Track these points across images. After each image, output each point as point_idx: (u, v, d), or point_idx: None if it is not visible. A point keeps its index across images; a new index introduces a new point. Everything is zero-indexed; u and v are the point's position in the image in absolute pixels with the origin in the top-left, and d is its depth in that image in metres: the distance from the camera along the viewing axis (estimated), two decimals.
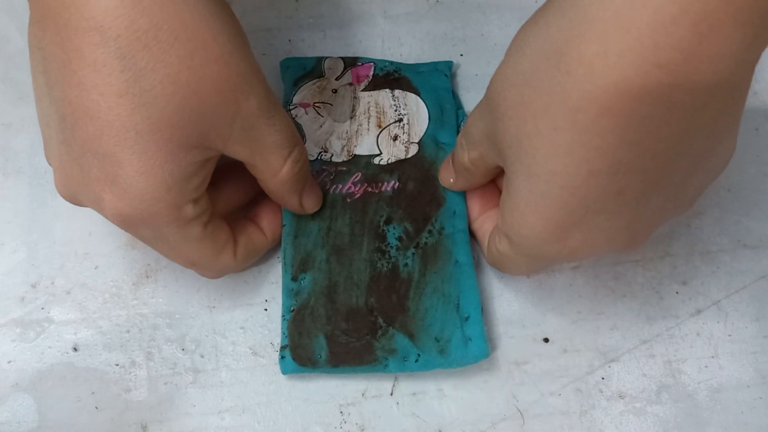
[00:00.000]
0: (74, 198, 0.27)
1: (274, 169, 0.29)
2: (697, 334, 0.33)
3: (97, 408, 0.32)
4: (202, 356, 0.33)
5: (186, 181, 0.26)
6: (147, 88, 0.24)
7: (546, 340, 0.33)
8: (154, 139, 0.24)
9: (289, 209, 0.33)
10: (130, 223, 0.26)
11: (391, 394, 0.32)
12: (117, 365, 0.33)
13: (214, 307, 0.34)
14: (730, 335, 0.33)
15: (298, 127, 0.36)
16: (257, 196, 0.33)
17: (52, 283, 0.34)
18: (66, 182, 0.27)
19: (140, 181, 0.25)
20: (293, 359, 0.31)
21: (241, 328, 0.33)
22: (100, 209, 0.27)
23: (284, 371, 0.31)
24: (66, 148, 0.26)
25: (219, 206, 0.31)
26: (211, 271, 0.31)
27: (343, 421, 0.32)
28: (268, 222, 0.33)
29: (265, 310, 0.34)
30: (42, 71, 0.25)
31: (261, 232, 0.33)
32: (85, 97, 0.24)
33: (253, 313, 0.34)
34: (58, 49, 0.24)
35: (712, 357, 0.33)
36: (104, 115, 0.24)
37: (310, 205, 0.32)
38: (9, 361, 0.33)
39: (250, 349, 0.33)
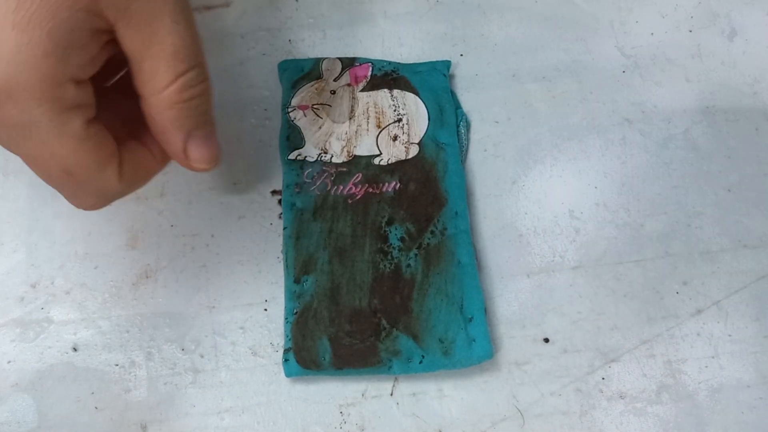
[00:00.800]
0: None
1: (160, 83, 0.24)
2: (698, 334, 0.33)
3: (96, 408, 0.32)
4: (202, 356, 0.33)
5: (69, 50, 0.22)
6: None
7: (546, 340, 0.33)
8: None
9: (170, 153, 0.27)
10: None
11: (391, 395, 0.32)
12: (117, 365, 0.33)
13: (214, 307, 0.34)
14: (730, 335, 0.33)
15: (297, 130, 0.36)
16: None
17: (52, 283, 0.34)
18: None
19: (13, 38, 0.21)
20: (297, 362, 0.31)
21: (241, 328, 0.33)
22: None
23: (288, 374, 0.31)
24: None
25: (104, 117, 0.25)
26: (89, 190, 0.25)
27: (343, 422, 0.32)
28: (157, 144, 0.27)
29: (265, 310, 0.34)
30: None
31: (149, 154, 0.27)
32: None
33: (253, 313, 0.34)
34: None
35: (713, 357, 0.33)
36: None
37: (198, 156, 0.26)
38: (9, 361, 0.33)
39: (250, 349, 0.33)
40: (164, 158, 0.28)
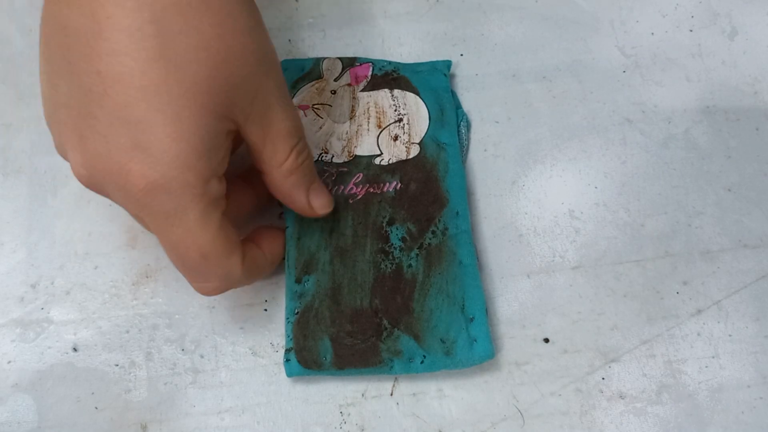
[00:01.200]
0: (95, 177, 0.26)
1: (280, 159, 0.29)
2: (698, 334, 0.33)
3: (97, 408, 0.32)
4: (202, 356, 0.33)
5: (214, 151, 0.26)
6: (180, 52, 0.24)
7: (546, 340, 0.33)
8: (187, 104, 0.25)
9: (297, 209, 0.32)
10: (155, 194, 0.26)
11: (391, 395, 0.32)
12: (117, 365, 0.33)
13: (214, 307, 0.34)
14: (730, 335, 0.33)
15: None
16: (258, 227, 0.33)
17: (52, 283, 0.34)
18: (88, 160, 0.26)
19: (173, 147, 0.25)
20: (298, 362, 0.31)
21: (241, 328, 0.33)
22: (126, 182, 0.26)
23: (289, 374, 0.31)
24: (90, 123, 0.25)
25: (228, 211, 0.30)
26: (216, 274, 0.29)
27: (343, 422, 0.32)
28: (268, 244, 0.32)
29: (265, 310, 0.34)
30: (60, 52, 0.25)
31: (262, 253, 0.32)
32: (117, 64, 0.24)
33: (253, 313, 0.34)
34: (88, 20, 0.24)
35: (713, 357, 0.33)
36: (137, 80, 0.24)
37: (319, 204, 0.32)
38: (9, 361, 0.33)
39: (250, 349, 0.33)
40: (273, 259, 0.32)
